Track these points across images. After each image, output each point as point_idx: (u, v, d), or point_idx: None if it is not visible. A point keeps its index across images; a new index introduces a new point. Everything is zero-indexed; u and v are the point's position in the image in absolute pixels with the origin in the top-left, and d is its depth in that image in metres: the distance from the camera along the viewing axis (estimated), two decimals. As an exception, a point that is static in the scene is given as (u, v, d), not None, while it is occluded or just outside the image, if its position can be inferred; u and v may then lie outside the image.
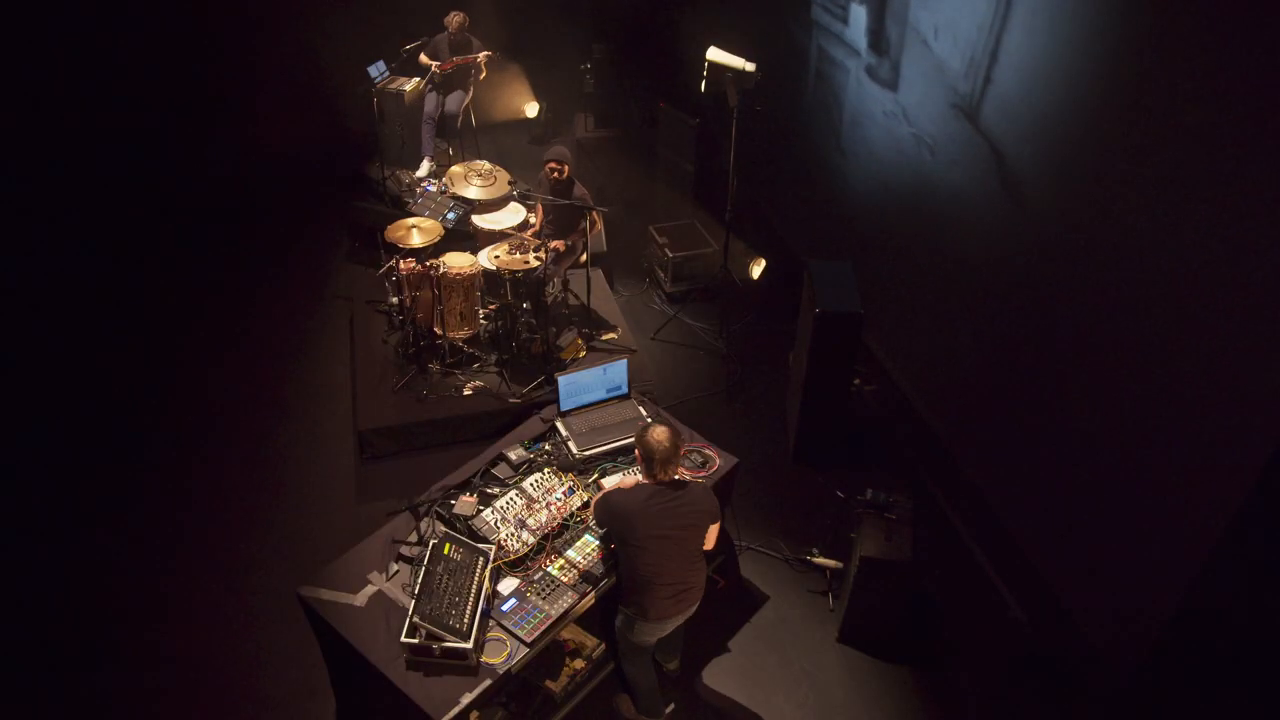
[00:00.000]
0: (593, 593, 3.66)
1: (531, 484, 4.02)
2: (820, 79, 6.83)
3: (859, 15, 6.00)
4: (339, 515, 4.95)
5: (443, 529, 3.83)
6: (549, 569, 3.70)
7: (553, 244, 5.64)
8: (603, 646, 4.09)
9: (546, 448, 4.30)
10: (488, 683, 3.28)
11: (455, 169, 6.15)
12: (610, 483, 4.07)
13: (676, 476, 3.48)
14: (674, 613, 3.56)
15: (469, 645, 3.26)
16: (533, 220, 6.20)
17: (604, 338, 6.02)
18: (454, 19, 7.39)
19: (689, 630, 3.99)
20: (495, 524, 3.81)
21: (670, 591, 3.47)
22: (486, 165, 6.19)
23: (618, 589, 3.62)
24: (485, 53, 7.54)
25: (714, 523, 3.54)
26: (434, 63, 7.40)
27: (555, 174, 5.74)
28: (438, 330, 5.59)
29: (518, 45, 8.97)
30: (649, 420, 3.48)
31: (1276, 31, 3.02)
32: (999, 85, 4.57)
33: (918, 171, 5.43)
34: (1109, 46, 3.81)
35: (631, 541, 3.36)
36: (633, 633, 3.59)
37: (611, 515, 3.44)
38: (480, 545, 3.68)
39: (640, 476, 3.58)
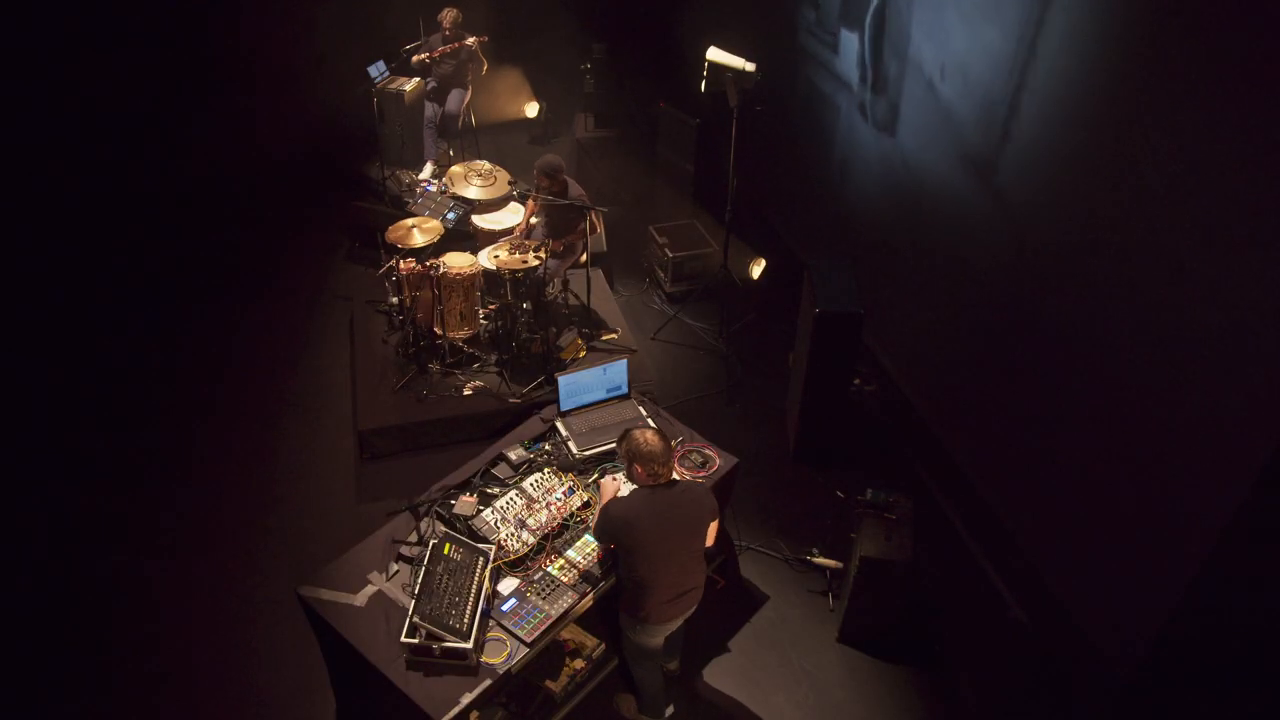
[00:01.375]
0: (592, 593, 3.66)
1: (531, 484, 4.02)
2: (808, 114, 6.70)
3: (850, 44, 5.84)
4: (339, 515, 4.94)
5: (443, 529, 3.83)
6: (549, 569, 3.70)
7: (552, 245, 5.64)
8: (603, 646, 4.09)
9: (546, 448, 4.30)
10: (488, 683, 3.28)
11: (455, 169, 6.16)
12: (606, 484, 4.07)
13: (675, 477, 3.46)
14: (675, 615, 3.56)
15: (469, 645, 3.26)
16: (532, 220, 6.19)
17: (604, 338, 6.02)
18: (447, 15, 7.40)
19: (689, 630, 3.99)
20: (495, 524, 3.81)
21: (670, 595, 3.47)
22: (486, 165, 6.19)
23: (617, 592, 3.62)
24: (474, 38, 7.51)
25: (713, 520, 3.54)
26: (424, 55, 7.39)
27: (542, 186, 5.60)
28: (438, 330, 5.59)
29: (518, 46, 8.98)
30: (628, 427, 3.48)
31: None
32: (1017, 140, 4.44)
33: (918, 180, 5.43)
34: (1113, 48, 3.81)
35: (633, 548, 3.33)
36: (637, 635, 3.59)
37: (613, 525, 3.37)
38: (480, 545, 3.68)
39: (632, 484, 3.52)
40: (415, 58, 7.39)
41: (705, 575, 3.64)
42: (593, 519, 3.76)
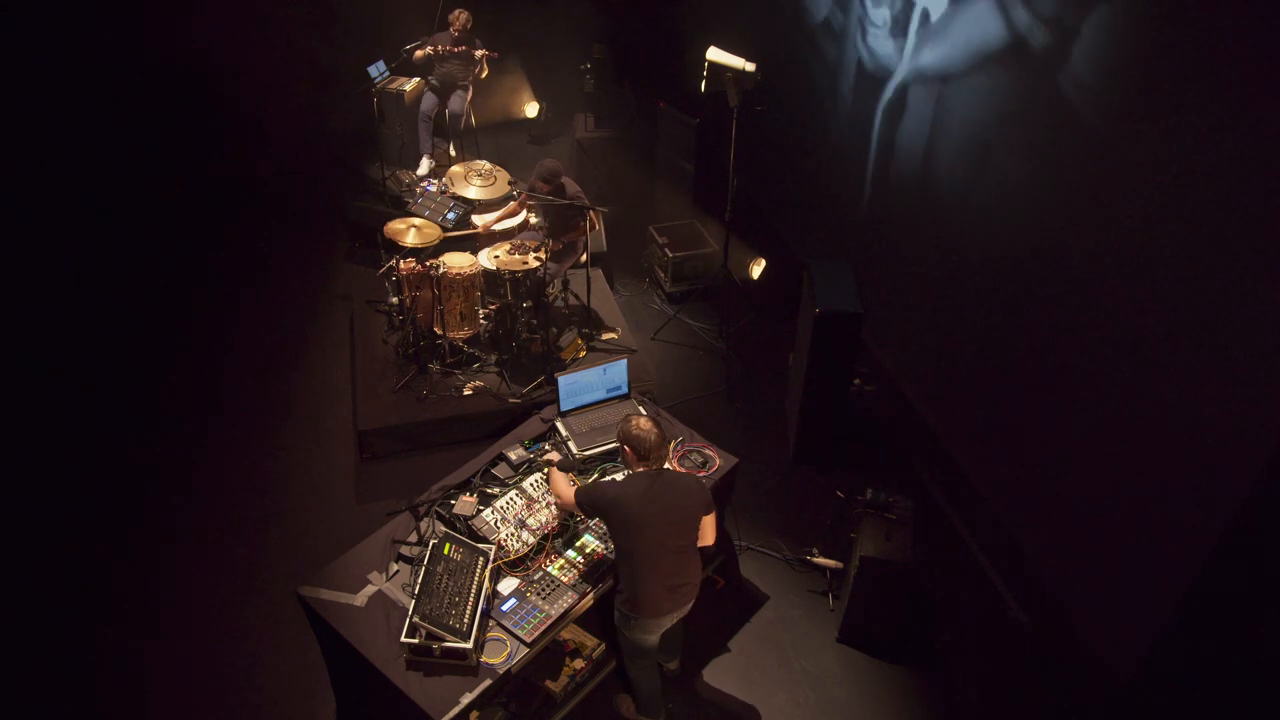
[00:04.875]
0: (592, 593, 3.66)
1: (531, 484, 4.02)
2: (808, 114, 6.64)
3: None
4: (339, 515, 4.94)
5: (443, 529, 3.83)
6: (549, 569, 3.70)
7: (552, 245, 5.65)
8: (603, 646, 4.10)
9: (546, 448, 4.30)
10: (488, 683, 3.28)
11: (455, 169, 6.16)
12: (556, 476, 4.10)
13: (668, 466, 3.49)
14: (669, 608, 3.54)
15: (469, 645, 3.26)
16: (532, 219, 6.20)
17: (604, 338, 6.02)
18: (459, 16, 7.40)
19: (689, 630, 3.99)
20: (495, 524, 3.81)
21: (665, 585, 3.46)
22: (486, 165, 6.19)
23: (615, 585, 3.62)
24: (484, 51, 7.54)
25: (708, 514, 3.53)
26: (430, 48, 7.38)
27: (541, 190, 5.61)
28: (438, 330, 5.59)
29: (518, 45, 8.98)
30: (625, 415, 3.54)
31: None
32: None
33: (918, 179, 5.43)
34: (1113, 49, 3.81)
35: (627, 529, 3.34)
36: (630, 629, 3.58)
37: (606, 502, 3.39)
38: (480, 545, 3.68)
39: (628, 471, 3.56)
40: (419, 53, 7.38)
41: (701, 573, 3.63)
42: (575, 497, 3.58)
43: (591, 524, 3.89)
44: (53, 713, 4.02)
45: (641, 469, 3.44)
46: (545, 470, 4.05)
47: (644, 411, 4.50)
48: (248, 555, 4.72)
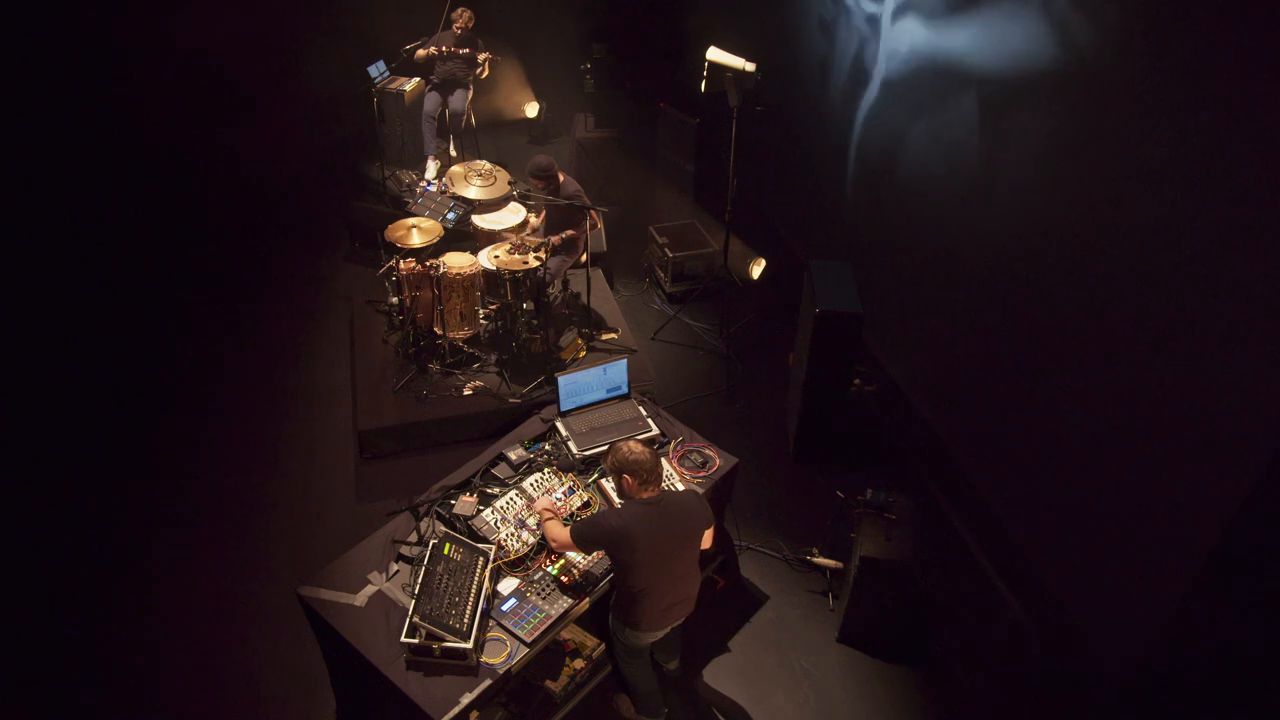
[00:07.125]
0: (592, 593, 3.66)
1: (531, 484, 4.02)
2: (808, 113, 6.68)
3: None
4: (339, 515, 4.95)
5: (443, 529, 3.83)
6: (549, 569, 3.70)
7: (553, 240, 5.65)
8: (602, 646, 4.10)
9: (546, 448, 4.30)
10: (488, 683, 3.29)
11: (455, 169, 6.16)
12: (608, 486, 4.07)
13: (664, 488, 3.40)
14: (667, 623, 3.55)
15: (469, 645, 3.26)
16: (533, 220, 6.20)
17: (604, 338, 6.02)
18: (462, 14, 7.40)
19: (688, 630, 3.99)
20: (495, 524, 3.81)
21: (665, 604, 3.45)
22: (486, 165, 6.18)
23: (611, 594, 3.62)
24: (487, 55, 7.55)
25: (709, 527, 3.51)
26: (432, 48, 7.38)
27: (536, 188, 5.64)
28: (438, 330, 5.59)
29: (518, 45, 8.99)
30: (614, 441, 3.47)
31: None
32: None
33: (919, 179, 5.43)
34: (1107, 44, 3.81)
35: (627, 559, 3.29)
36: (625, 636, 3.59)
37: (607, 536, 3.30)
38: (480, 545, 3.68)
39: (620, 498, 3.45)
40: (421, 52, 7.37)
41: (699, 585, 3.62)
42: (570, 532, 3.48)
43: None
44: (52, 711, 4.02)
45: (639, 494, 3.32)
46: (539, 519, 3.82)
47: (644, 411, 4.50)
48: (248, 555, 4.72)
